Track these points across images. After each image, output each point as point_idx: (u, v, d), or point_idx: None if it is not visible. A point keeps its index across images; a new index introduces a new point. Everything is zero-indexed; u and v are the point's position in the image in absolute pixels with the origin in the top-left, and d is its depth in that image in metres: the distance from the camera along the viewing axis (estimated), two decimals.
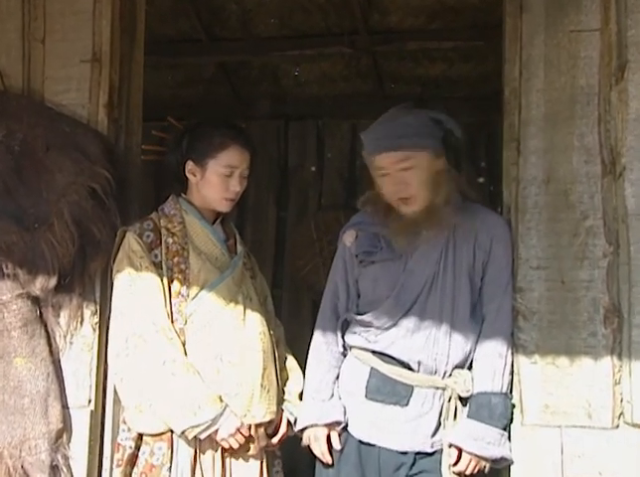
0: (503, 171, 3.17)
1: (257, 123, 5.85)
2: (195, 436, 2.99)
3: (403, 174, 3.01)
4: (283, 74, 6.06)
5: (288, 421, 3.23)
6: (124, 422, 3.11)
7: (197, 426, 2.96)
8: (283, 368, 3.32)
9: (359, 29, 5.23)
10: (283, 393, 3.26)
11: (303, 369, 3.27)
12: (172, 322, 3.05)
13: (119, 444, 3.11)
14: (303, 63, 5.90)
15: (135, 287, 3.04)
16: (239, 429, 3.01)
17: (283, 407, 3.23)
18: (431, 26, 5.23)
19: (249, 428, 3.06)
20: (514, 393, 3.00)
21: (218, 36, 5.52)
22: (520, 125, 3.10)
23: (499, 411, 2.94)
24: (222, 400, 3.02)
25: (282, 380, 3.27)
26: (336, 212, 6.01)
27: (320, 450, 3.11)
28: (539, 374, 2.98)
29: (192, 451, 3.03)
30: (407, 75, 5.84)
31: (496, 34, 4.89)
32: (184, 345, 3.05)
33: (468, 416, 2.97)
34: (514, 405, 2.99)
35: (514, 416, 2.98)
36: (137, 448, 3.06)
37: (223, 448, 3.06)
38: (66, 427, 3.21)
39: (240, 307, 3.14)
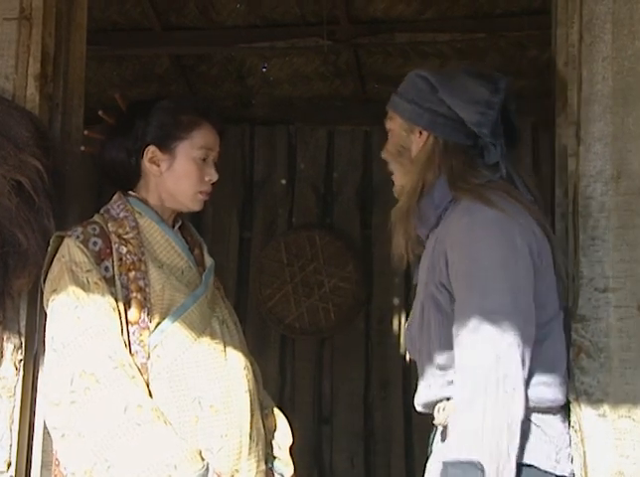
0: (556, 165, 2.90)
1: None
2: None
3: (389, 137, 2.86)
4: (249, 70, 5.94)
5: None
6: None
7: None
8: (270, 414, 3.11)
9: (339, 18, 5.14)
10: (270, 446, 3.03)
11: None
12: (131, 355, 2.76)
13: None
14: (273, 57, 5.78)
15: (82, 311, 2.69)
16: None
17: (272, 466, 2.98)
18: (424, 15, 5.15)
19: None
20: (575, 455, 2.59)
21: (173, 24, 5.40)
22: (580, 104, 2.80)
23: None
24: (203, 458, 2.68)
25: (269, 429, 3.04)
26: (309, 232, 5.95)
27: None
28: (609, 430, 2.63)
29: None
30: (394, 73, 5.56)
31: (499, 25, 4.65)
32: (147, 386, 2.73)
33: None
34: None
35: None
36: None
37: None
38: None
39: (218, 336, 2.87)
